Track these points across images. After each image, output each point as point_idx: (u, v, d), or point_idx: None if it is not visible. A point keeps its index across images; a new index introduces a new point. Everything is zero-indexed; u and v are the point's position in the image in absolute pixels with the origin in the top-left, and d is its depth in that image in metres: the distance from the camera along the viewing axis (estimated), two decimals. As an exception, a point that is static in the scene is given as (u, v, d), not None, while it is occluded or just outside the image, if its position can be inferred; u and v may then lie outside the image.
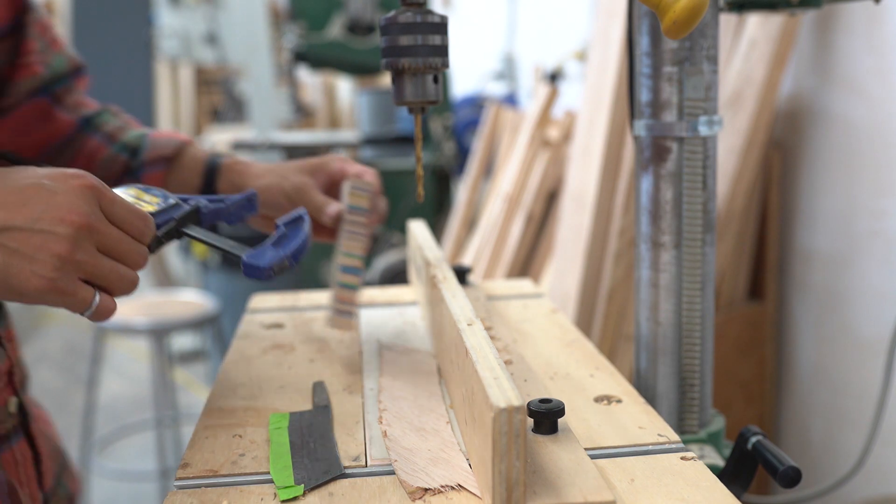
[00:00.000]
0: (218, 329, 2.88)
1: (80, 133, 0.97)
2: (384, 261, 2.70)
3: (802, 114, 1.86)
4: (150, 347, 3.05)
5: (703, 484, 0.60)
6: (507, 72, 4.11)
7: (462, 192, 3.49)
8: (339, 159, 0.95)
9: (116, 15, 5.84)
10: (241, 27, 2.98)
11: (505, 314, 1.02)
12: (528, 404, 0.65)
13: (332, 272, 0.85)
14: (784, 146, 1.92)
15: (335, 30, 2.90)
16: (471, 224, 3.25)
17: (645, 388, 0.89)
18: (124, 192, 0.72)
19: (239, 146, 3.10)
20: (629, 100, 0.88)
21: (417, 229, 1.07)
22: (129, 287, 0.63)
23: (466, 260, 2.84)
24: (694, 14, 0.62)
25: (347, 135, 4.01)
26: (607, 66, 1.94)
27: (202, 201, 0.75)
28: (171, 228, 0.70)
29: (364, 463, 0.64)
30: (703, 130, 0.82)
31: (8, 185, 0.58)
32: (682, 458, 0.64)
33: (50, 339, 4.60)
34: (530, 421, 0.65)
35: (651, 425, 0.70)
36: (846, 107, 1.72)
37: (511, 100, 3.90)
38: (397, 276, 2.67)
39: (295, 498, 0.59)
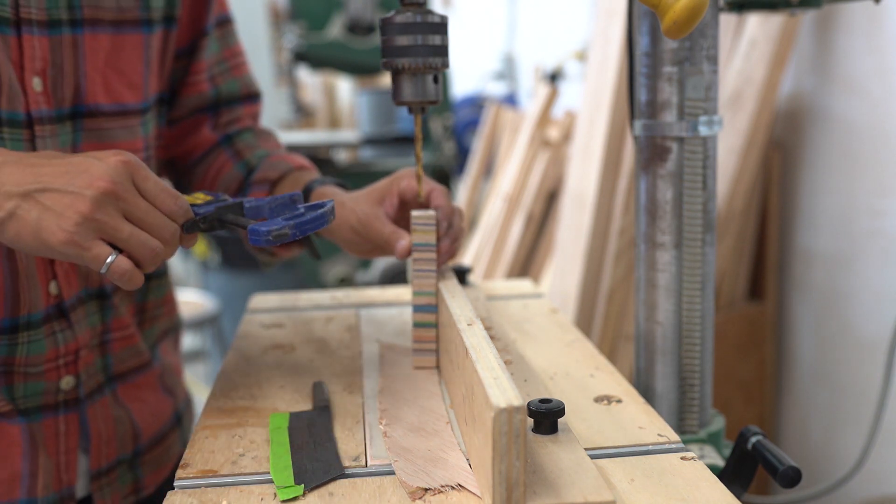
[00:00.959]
0: (218, 329, 2.88)
1: (216, 148, 1.02)
2: (384, 261, 2.70)
3: (802, 114, 1.86)
4: (150, 347, 3.04)
5: (703, 484, 0.60)
6: (507, 72, 4.11)
7: (462, 192, 3.49)
8: (406, 175, 0.89)
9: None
10: (240, 27, 2.97)
11: (505, 314, 1.02)
12: (528, 404, 0.65)
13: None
14: (784, 146, 1.92)
15: (335, 30, 2.90)
16: (471, 224, 3.25)
17: (645, 388, 0.89)
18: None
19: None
20: (629, 100, 0.88)
21: (417, 229, 1.06)
22: (149, 254, 0.68)
23: (466, 260, 2.84)
24: (694, 14, 0.62)
25: (347, 135, 4.01)
26: (607, 66, 1.94)
27: (252, 200, 0.77)
28: (210, 215, 0.74)
29: (364, 463, 0.64)
30: (703, 130, 0.82)
31: (62, 158, 0.67)
32: (682, 458, 0.64)
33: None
34: (530, 421, 0.65)
35: (651, 425, 0.70)
36: (846, 107, 1.72)
37: (511, 100, 3.90)
38: (397, 276, 2.68)
39: (295, 498, 0.59)
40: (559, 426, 0.65)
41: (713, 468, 0.78)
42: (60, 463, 0.83)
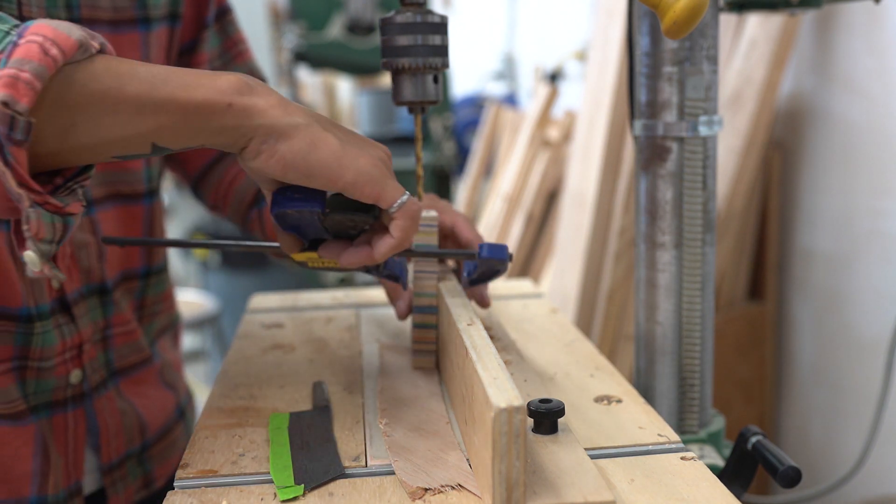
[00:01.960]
0: (218, 329, 2.88)
1: (225, 156, 1.02)
2: (384, 261, 2.70)
3: (802, 114, 1.86)
4: (150, 347, 3.04)
5: (703, 484, 0.60)
6: (507, 72, 4.11)
7: (462, 192, 3.49)
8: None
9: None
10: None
11: (505, 314, 1.02)
12: (528, 404, 0.65)
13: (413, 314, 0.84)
14: (784, 146, 1.92)
15: (335, 30, 2.90)
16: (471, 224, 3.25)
17: (645, 388, 0.89)
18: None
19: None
20: (629, 100, 0.88)
21: (417, 229, 1.06)
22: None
23: (466, 260, 2.83)
24: (694, 14, 0.62)
25: (347, 135, 4.00)
26: (607, 66, 1.94)
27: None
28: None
29: (364, 463, 0.64)
30: (703, 130, 0.82)
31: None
32: (682, 458, 0.64)
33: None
34: (530, 421, 0.65)
35: (651, 425, 0.70)
36: (846, 107, 1.72)
37: (511, 100, 3.90)
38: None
39: (295, 498, 0.59)
40: (559, 426, 0.65)
41: (713, 468, 0.78)
42: (69, 459, 0.83)
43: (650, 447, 0.67)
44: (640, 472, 0.62)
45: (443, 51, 0.76)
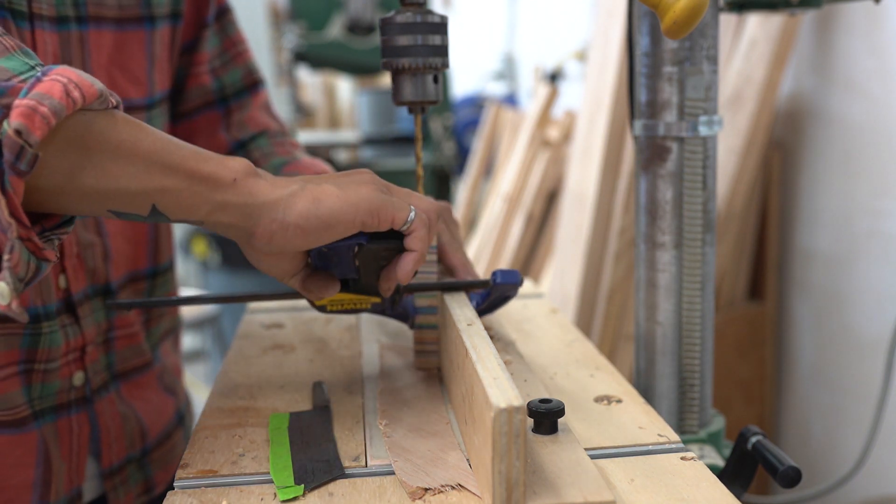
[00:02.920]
0: (218, 329, 2.88)
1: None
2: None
3: (802, 114, 1.86)
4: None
5: (703, 484, 0.60)
6: (507, 72, 4.11)
7: (462, 192, 3.49)
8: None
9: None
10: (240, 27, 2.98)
11: (505, 314, 1.02)
12: (528, 404, 0.65)
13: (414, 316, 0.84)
14: (784, 146, 1.92)
15: (335, 30, 2.90)
16: (471, 224, 3.25)
17: (645, 388, 0.89)
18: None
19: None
20: (629, 100, 0.88)
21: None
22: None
23: (466, 260, 2.83)
24: (694, 14, 0.62)
25: (347, 135, 4.01)
26: (607, 66, 1.94)
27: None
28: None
29: (364, 463, 0.64)
30: (703, 130, 0.82)
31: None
32: (682, 458, 0.64)
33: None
34: (530, 421, 0.65)
35: (651, 425, 0.70)
36: (846, 107, 1.72)
37: (511, 100, 3.90)
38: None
39: (295, 498, 0.59)
40: (559, 426, 0.65)
41: (713, 468, 0.78)
42: (72, 464, 0.83)
43: (650, 447, 0.67)
44: (640, 472, 0.62)
45: (443, 51, 0.76)
